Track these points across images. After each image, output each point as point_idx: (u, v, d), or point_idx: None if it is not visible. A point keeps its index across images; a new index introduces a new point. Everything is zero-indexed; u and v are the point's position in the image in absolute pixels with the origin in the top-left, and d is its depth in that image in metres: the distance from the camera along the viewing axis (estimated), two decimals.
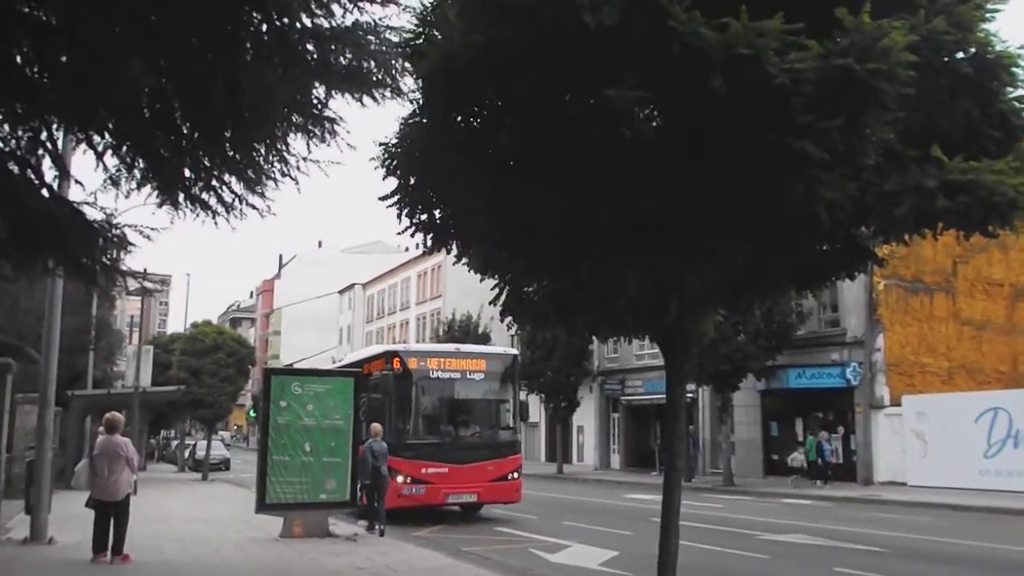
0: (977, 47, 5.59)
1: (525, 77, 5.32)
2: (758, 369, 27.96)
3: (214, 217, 7.94)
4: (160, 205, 7.79)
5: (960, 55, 5.57)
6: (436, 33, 5.85)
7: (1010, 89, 5.72)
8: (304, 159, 7.67)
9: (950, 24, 5.25)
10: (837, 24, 4.81)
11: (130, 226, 7.84)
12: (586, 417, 41.09)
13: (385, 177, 6.54)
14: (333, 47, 6.52)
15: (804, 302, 28.08)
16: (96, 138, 7.21)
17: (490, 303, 7.73)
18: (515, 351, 20.44)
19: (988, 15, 5.69)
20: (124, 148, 7.30)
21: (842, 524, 16.34)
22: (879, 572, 10.67)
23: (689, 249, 6.05)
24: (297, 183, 7.89)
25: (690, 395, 30.99)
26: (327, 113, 7.24)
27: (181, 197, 7.68)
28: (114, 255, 7.97)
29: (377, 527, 13.98)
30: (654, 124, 5.72)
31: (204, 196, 7.74)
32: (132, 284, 9.27)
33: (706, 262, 6.10)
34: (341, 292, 79.60)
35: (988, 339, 30.03)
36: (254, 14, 6.02)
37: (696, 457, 32.85)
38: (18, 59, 6.24)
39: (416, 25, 6.23)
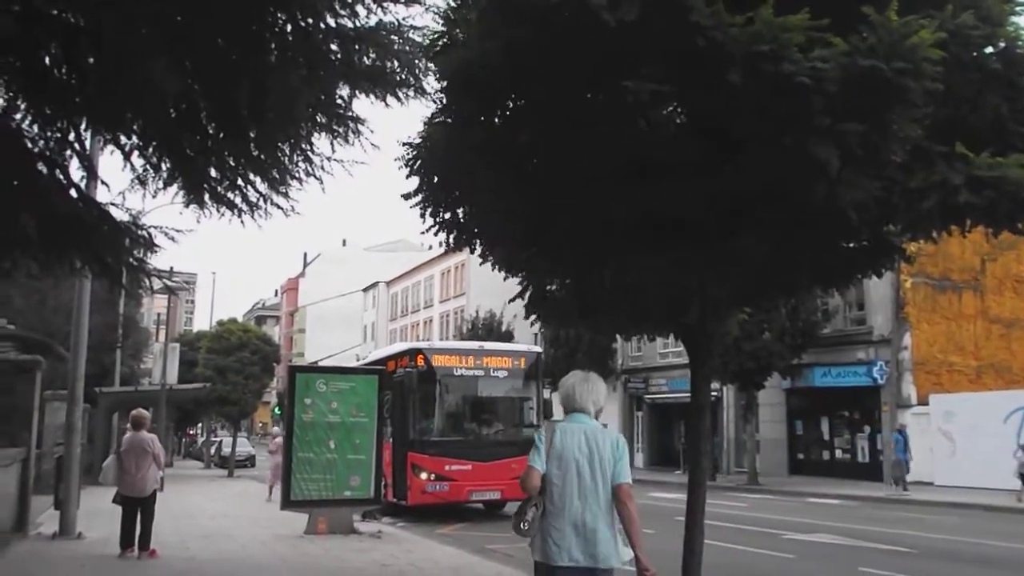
0: (1006, 42, 5.52)
1: (545, 76, 5.31)
2: (783, 367, 27.76)
3: (239, 216, 7.99)
4: (186, 204, 7.86)
5: (989, 50, 5.50)
6: (459, 33, 5.85)
7: None
8: (328, 159, 7.71)
9: (978, 19, 5.19)
10: (863, 19, 4.76)
11: (156, 227, 7.91)
12: (610, 415, 40.97)
13: (408, 176, 6.57)
14: (357, 47, 6.55)
15: (830, 300, 27.85)
16: (123, 139, 7.28)
17: (510, 301, 7.75)
18: (539, 349, 20.43)
19: (1018, 9, 5.63)
20: (150, 148, 7.37)
21: (868, 524, 16.19)
22: (906, 573, 10.57)
23: (713, 248, 6.02)
24: (321, 182, 7.93)
25: (715, 394, 30.84)
26: (351, 113, 7.27)
27: (207, 197, 7.74)
28: (140, 255, 8.04)
29: None
30: (677, 122, 5.70)
31: (229, 196, 7.79)
32: (158, 284, 9.36)
33: (730, 261, 6.07)
34: (365, 290, 79.92)
35: (1017, 337, 29.63)
36: (279, 15, 6.06)
37: (713, 453, 32.69)
38: (47, 61, 6.31)
39: (440, 25, 6.24)
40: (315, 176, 7.83)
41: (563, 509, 4.36)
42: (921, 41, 4.61)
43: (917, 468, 26.21)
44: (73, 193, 7.26)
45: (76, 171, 7.48)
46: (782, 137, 4.89)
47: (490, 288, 30.13)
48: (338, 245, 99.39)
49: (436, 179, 6.51)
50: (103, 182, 8.53)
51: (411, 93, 7.03)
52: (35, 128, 6.90)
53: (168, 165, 7.48)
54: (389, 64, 6.76)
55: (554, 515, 4.38)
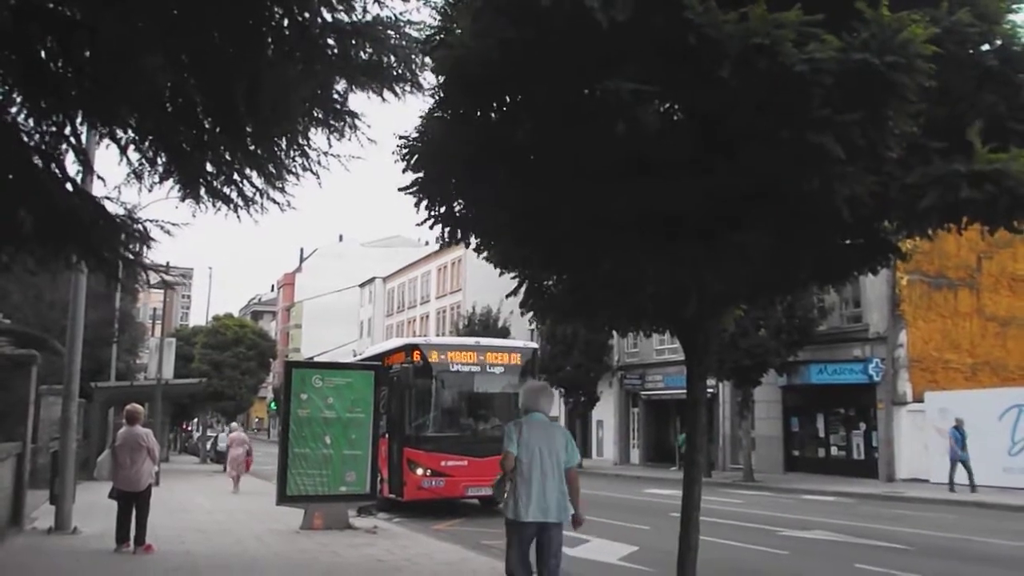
0: (1003, 39, 5.52)
1: (539, 74, 5.31)
2: (779, 364, 27.80)
3: (235, 211, 8.00)
4: (182, 199, 7.86)
5: (985, 47, 5.50)
6: (455, 28, 5.84)
7: None
8: (325, 154, 7.73)
9: (975, 16, 5.18)
10: (856, 17, 4.76)
11: (152, 221, 7.92)
12: (606, 412, 41.04)
13: (405, 171, 6.55)
14: (354, 42, 6.55)
15: (826, 297, 27.92)
16: (119, 133, 7.28)
17: (507, 296, 7.76)
18: (534, 345, 20.43)
19: (1014, 7, 5.62)
20: (146, 143, 7.37)
21: (864, 521, 16.23)
22: (902, 569, 10.59)
23: (710, 244, 6.02)
24: (318, 177, 7.94)
25: (710, 390, 30.83)
26: (347, 108, 7.27)
27: (203, 191, 7.74)
28: (136, 249, 8.04)
29: None
30: (675, 118, 5.70)
31: (225, 190, 7.80)
32: (154, 278, 9.35)
33: (727, 257, 6.07)
34: (361, 286, 79.89)
35: (1013, 335, 29.68)
36: (275, 9, 6.05)
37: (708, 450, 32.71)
38: (43, 55, 6.30)
39: (436, 20, 6.22)
40: (311, 171, 7.84)
41: (530, 481, 6.18)
42: (913, 36, 4.61)
43: (912, 465, 26.29)
44: (69, 187, 7.25)
45: (72, 165, 7.48)
46: (780, 130, 4.89)
47: (487, 284, 30.13)
48: (334, 240, 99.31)
49: (433, 174, 6.49)
50: (99, 176, 8.53)
51: (408, 88, 7.03)
52: (31, 122, 6.90)
53: (164, 159, 7.48)
54: (386, 59, 6.76)
55: (523, 486, 6.19)
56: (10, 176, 6.65)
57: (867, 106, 4.79)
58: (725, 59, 4.63)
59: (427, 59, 6.52)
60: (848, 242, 6.61)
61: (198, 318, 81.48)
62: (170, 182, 7.68)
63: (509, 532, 6.37)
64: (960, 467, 22.41)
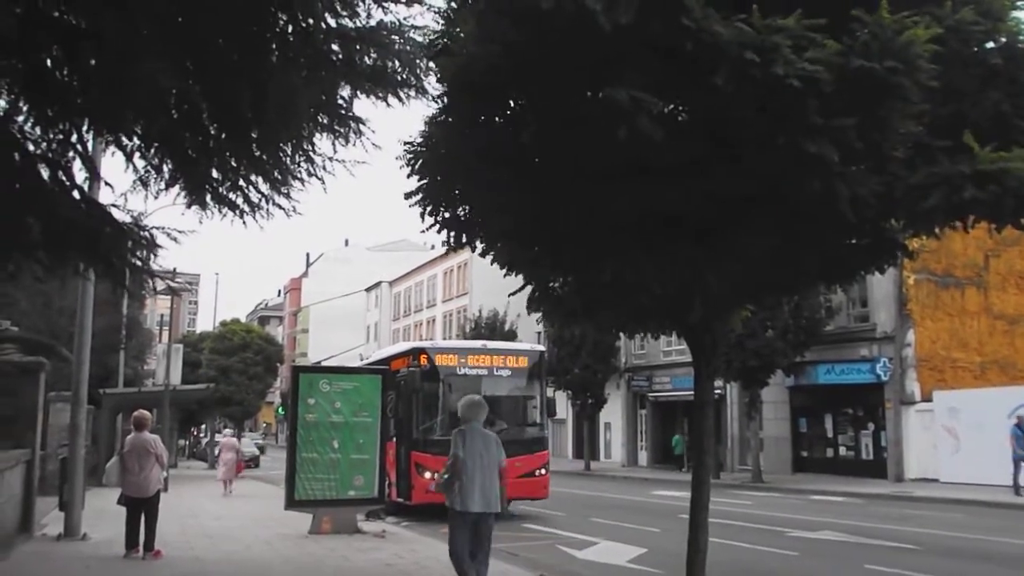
0: (1007, 37, 5.51)
1: (541, 77, 5.31)
2: (787, 365, 27.74)
3: (241, 217, 8.02)
4: (188, 205, 7.89)
5: (989, 45, 5.49)
6: (459, 32, 5.85)
7: None
8: (330, 159, 7.75)
9: (979, 14, 5.17)
10: (856, 20, 4.74)
11: (158, 227, 7.94)
12: (613, 414, 40.99)
13: (410, 176, 6.56)
14: (358, 47, 6.56)
15: (833, 297, 27.85)
16: (125, 140, 7.30)
17: (510, 295, 7.79)
18: (542, 347, 20.40)
19: (1019, 4, 5.61)
20: (152, 150, 7.39)
21: (873, 521, 16.18)
22: (911, 569, 10.56)
23: (712, 245, 6.02)
24: (323, 183, 7.96)
25: (718, 391, 30.81)
26: (352, 113, 7.28)
27: (208, 197, 7.76)
28: (143, 256, 8.06)
29: None
30: (679, 119, 5.69)
31: (231, 196, 7.82)
32: (161, 285, 9.37)
33: (731, 257, 6.06)
34: (368, 290, 79.96)
35: (1021, 333, 29.57)
36: (279, 15, 6.07)
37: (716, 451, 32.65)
38: (48, 63, 6.33)
39: (440, 24, 6.23)
40: (317, 176, 7.86)
41: (473, 480, 7.47)
42: (915, 38, 4.59)
43: (921, 464, 26.20)
44: (76, 195, 7.27)
45: (79, 173, 7.50)
46: (776, 136, 4.88)
47: (493, 287, 30.10)
48: (341, 245, 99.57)
49: (438, 178, 6.50)
50: (107, 183, 8.55)
51: (412, 93, 7.05)
52: (37, 130, 6.92)
53: (170, 166, 7.51)
54: (390, 64, 6.77)
55: (468, 484, 7.47)
56: (17, 184, 6.67)
57: (866, 110, 4.78)
58: (721, 65, 4.62)
59: (431, 64, 6.53)
60: (854, 241, 6.60)
61: (205, 324, 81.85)
62: (176, 188, 7.71)
63: (454, 521, 7.65)
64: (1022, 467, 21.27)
